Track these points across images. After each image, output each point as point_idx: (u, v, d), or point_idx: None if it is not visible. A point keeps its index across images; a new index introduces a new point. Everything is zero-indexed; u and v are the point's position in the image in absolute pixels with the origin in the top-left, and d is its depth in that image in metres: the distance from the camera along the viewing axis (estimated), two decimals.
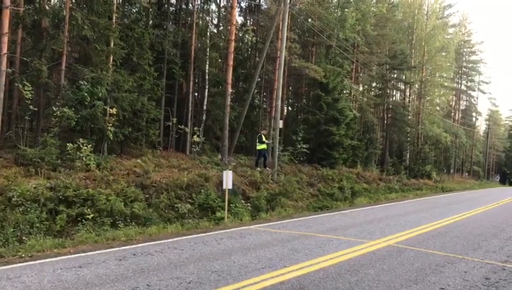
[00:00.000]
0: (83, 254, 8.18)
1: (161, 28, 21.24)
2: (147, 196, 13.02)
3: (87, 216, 10.83)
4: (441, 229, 12.51)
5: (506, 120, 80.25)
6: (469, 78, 62.03)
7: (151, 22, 21.70)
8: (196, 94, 24.54)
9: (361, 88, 37.41)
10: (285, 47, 21.09)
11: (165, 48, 20.15)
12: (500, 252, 9.57)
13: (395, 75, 41.46)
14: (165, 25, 21.75)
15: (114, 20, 16.05)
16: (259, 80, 26.06)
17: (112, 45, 15.77)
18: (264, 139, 19.50)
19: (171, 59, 20.82)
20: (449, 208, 19.09)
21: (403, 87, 43.60)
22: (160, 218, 12.23)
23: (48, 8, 16.33)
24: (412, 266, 7.84)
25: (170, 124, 20.22)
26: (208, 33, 24.72)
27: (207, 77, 22.83)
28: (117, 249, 8.72)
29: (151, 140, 18.27)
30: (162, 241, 9.65)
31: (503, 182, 71.51)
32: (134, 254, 8.19)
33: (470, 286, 6.77)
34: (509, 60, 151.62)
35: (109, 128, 14.67)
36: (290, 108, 35.93)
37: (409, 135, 40.57)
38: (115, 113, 14.92)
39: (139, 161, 15.40)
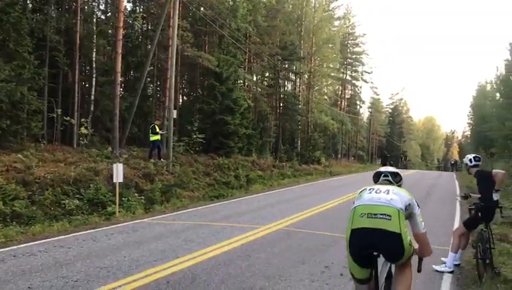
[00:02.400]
0: None
1: (42, 12, 19.76)
2: (29, 193, 12.12)
3: None
4: (328, 211, 13.33)
5: (386, 107, 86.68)
6: (353, 68, 65.95)
7: (30, 6, 20.16)
8: (83, 83, 23.29)
9: (254, 78, 38.23)
10: (178, 35, 20.78)
11: (46, 34, 18.85)
12: None
13: (286, 66, 42.89)
14: (46, 9, 20.28)
15: None
16: (151, 68, 25.42)
17: None
18: (157, 129, 19.08)
19: (54, 46, 19.51)
20: (337, 191, 20.28)
21: (294, 78, 45.23)
22: (46, 216, 11.46)
23: None
24: (300, 247, 8.26)
25: (55, 115, 18.96)
26: (95, 19, 23.53)
27: (94, 66, 21.79)
28: None
29: (33, 133, 17.05)
30: (47, 240, 9.07)
31: (384, 164, 77.61)
32: (14, 256, 7.60)
33: None
34: (388, 51, 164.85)
35: None
36: (185, 98, 35.60)
37: (299, 123, 42.33)
38: None
39: (19, 155, 14.25)
